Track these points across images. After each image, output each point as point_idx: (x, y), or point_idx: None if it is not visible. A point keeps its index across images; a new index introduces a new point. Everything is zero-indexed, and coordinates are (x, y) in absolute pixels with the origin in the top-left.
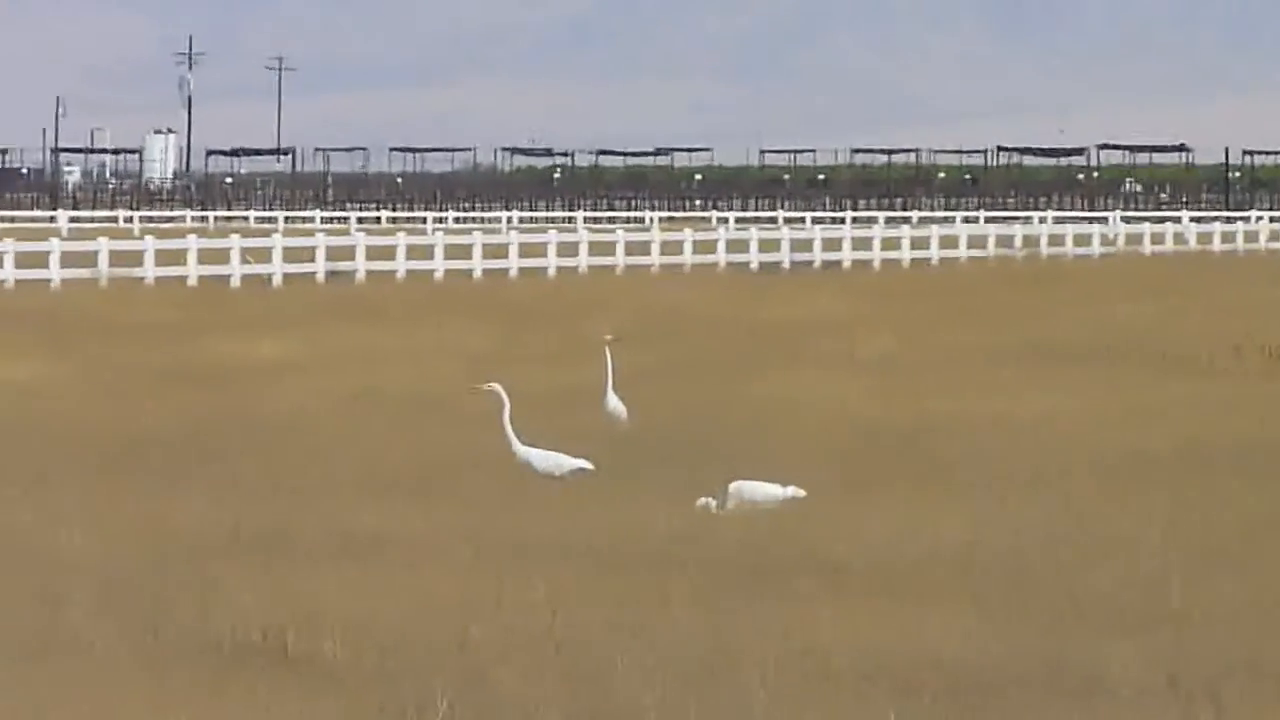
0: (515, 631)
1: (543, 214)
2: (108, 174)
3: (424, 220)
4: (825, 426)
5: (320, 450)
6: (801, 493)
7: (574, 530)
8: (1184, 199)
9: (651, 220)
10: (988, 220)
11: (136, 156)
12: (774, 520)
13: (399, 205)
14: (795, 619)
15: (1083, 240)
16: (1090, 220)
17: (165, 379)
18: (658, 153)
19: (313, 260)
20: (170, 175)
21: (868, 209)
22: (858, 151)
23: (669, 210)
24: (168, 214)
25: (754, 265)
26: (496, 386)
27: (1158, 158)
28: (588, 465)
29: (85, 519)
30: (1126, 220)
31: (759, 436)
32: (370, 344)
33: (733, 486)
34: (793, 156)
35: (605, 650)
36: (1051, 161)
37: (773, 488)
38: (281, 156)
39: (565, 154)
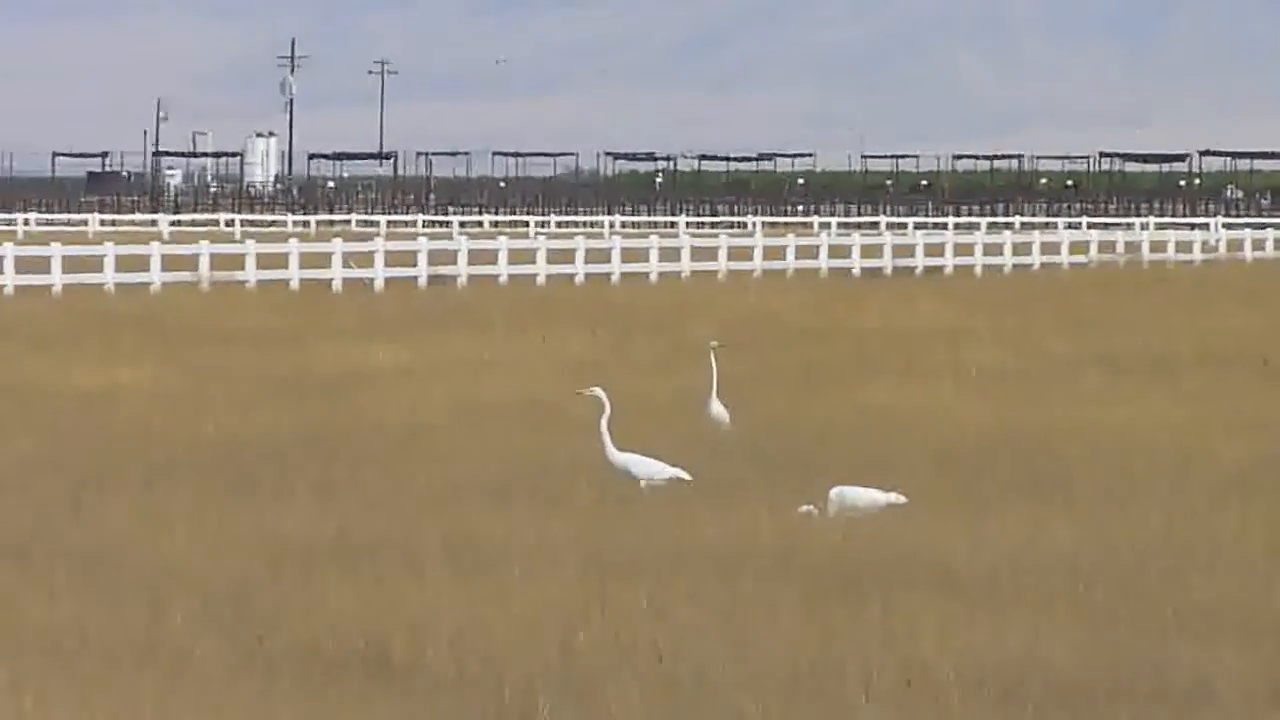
0: (619, 640)
1: (645, 219)
2: (209, 177)
3: (526, 224)
4: (928, 434)
5: (425, 458)
6: (902, 499)
7: (678, 537)
8: None
9: (754, 225)
10: (1089, 226)
11: (238, 160)
12: (877, 527)
13: (501, 209)
14: (898, 626)
15: (1184, 247)
16: (1192, 227)
17: (268, 385)
18: (760, 158)
19: (414, 264)
20: (272, 179)
21: (970, 215)
22: (960, 157)
23: (771, 215)
24: (269, 218)
25: (856, 271)
26: (598, 390)
27: (1259, 164)
28: (684, 475)
29: (191, 526)
30: (1228, 227)
31: (861, 443)
32: (473, 350)
33: (834, 492)
34: (895, 162)
35: (708, 659)
36: (1153, 168)
37: (874, 493)
38: (383, 160)
39: (668, 159)
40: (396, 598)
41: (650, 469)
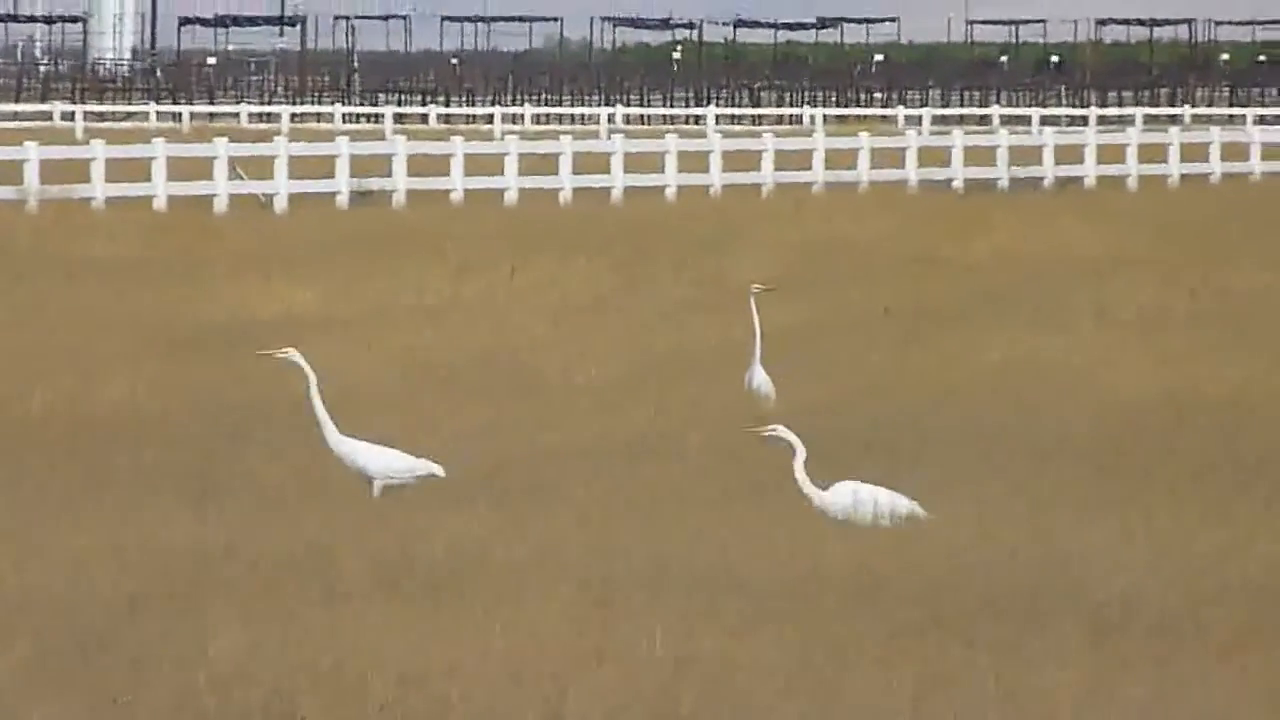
0: (624, 692)
1: (659, 111)
2: (38, 52)
3: (490, 120)
4: (1063, 404)
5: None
6: (921, 512)
7: (701, 550)
8: None
9: (813, 120)
10: None
11: (79, 27)
12: (995, 539)
13: (455, 98)
14: (1004, 669)
15: None
16: None
17: (127, 340)
18: (821, 25)
19: (332, 175)
20: (128, 54)
21: (1120, 104)
22: (1105, 23)
23: (837, 105)
24: (124, 108)
25: (958, 183)
26: (292, 352)
27: None
28: (438, 470)
29: (24, 541)
30: None
31: (966, 418)
32: (416, 293)
33: (845, 489)
34: (1013, 30)
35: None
36: None
37: (892, 496)
38: (287, 28)
39: (689, 26)
40: (312, 635)
41: (388, 462)
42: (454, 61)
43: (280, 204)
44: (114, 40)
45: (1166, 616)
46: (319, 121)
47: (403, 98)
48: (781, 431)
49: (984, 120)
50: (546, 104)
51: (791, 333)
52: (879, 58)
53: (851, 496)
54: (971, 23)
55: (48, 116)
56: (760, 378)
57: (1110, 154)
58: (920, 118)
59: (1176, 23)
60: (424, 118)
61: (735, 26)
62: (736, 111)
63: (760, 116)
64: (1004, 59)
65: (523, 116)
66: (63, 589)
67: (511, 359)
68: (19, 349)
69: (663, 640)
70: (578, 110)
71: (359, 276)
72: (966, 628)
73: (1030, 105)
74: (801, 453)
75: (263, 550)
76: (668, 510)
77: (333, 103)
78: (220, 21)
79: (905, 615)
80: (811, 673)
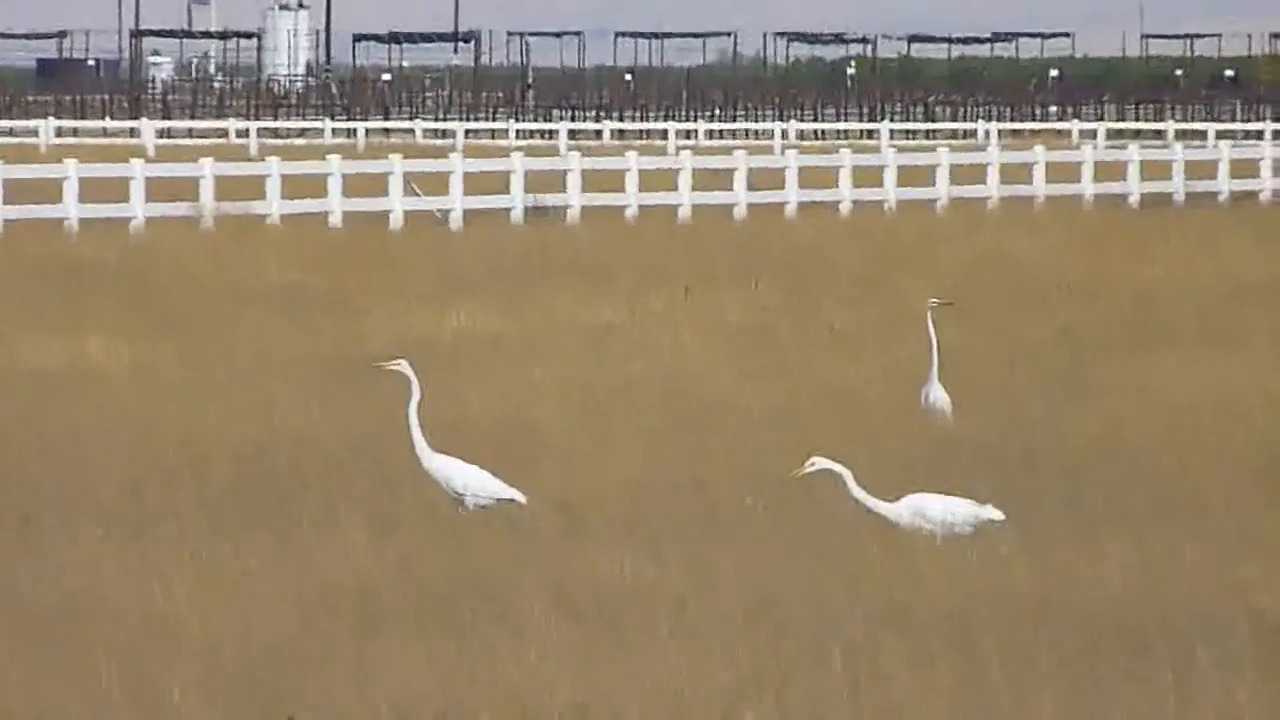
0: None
1: (833, 125)
2: (212, 68)
3: (664, 135)
4: (1241, 438)
5: (523, 468)
6: (997, 515)
7: (886, 578)
8: None
9: (987, 134)
10: None
11: (254, 43)
12: (1179, 570)
13: (629, 113)
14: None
15: None
16: None
17: (303, 367)
18: (995, 39)
19: (507, 191)
20: (302, 70)
21: None
22: None
23: (1012, 120)
24: (299, 125)
25: (1133, 198)
26: (403, 363)
27: None
28: (520, 497)
29: (196, 573)
30: None
31: (1141, 447)
32: (588, 311)
33: (915, 501)
34: (1188, 43)
35: None
36: None
37: (957, 503)
38: (461, 44)
39: (864, 41)
40: (486, 665)
41: (479, 482)
42: (627, 77)
43: (455, 220)
44: (288, 56)
45: None
46: (493, 138)
47: (576, 113)
48: (820, 462)
49: (1159, 135)
50: (720, 119)
51: (955, 355)
52: (1054, 73)
53: (917, 505)
54: (1146, 37)
55: (223, 133)
56: (937, 393)
57: None
58: (1095, 132)
59: None
60: (598, 133)
61: (910, 41)
62: (911, 126)
63: (934, 131)
64: (1179, 73)
65: (696, 132)
66: (240, 609)
67: (678, 385)
68: (196, 378)
69: (843, 665)
70: (751, 125)
71: (532, 296)
72: (1140, 649)
73: (1205, 119)
74: (848, 474)
75: (436, 574)
76: (831, 540)
77: (507, 119)
78: (394, 38)
79: (1074, 640)
80: (991, 696)
